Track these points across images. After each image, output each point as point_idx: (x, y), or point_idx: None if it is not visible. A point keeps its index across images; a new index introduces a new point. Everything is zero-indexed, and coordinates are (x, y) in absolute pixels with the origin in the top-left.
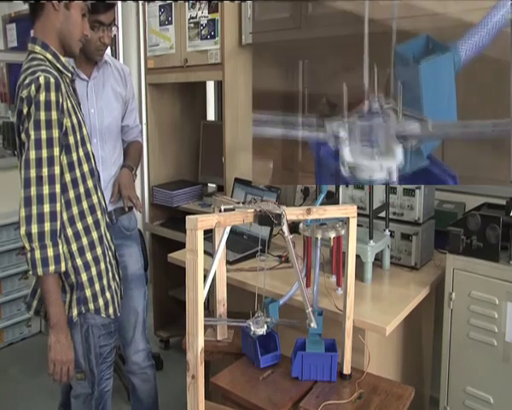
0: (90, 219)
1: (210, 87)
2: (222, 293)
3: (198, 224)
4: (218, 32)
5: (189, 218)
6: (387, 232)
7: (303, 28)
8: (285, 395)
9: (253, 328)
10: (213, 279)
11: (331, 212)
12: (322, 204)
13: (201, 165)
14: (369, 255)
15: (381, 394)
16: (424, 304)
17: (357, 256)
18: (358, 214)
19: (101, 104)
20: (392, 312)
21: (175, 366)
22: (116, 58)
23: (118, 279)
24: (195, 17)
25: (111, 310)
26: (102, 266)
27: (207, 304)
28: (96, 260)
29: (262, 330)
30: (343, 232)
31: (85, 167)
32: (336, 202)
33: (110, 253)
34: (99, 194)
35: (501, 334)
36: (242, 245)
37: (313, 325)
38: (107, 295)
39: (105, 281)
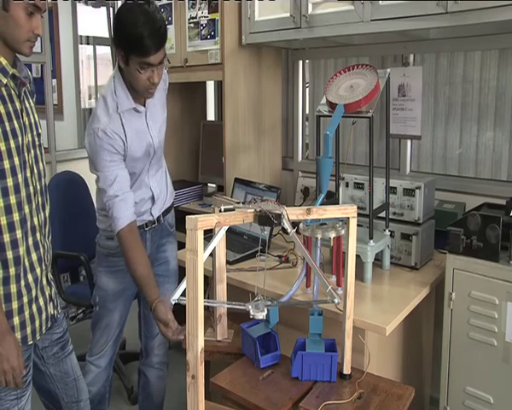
0: (6, 238)
1: (210, 87)
2: (222, 293)
3: (198, 224)
4: (218, 32)
5: (189, 218)
6: (387, 232)
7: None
8: (285, 395)
9: (252, 312)
10: (213, 280)
11: (331, 212)
12: (322, 204)
13: (201, 165)
14: (369, 255)
15: (380, 394)
16: (424, 304)
17: (357, 256)
18: (358, 214)
19: (157, 126)
20: (393, 312)
21: (175, 366)
22: (116, 58)
23: (41, 303)
24: (195, 17)
25: (19, 335)
26: (13, 289)
27: None
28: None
29: (262, 315)
30: (343, 232)
31: (9, 181)
32: (336, 202)
33: (31, 275)
34: (23, 211)
35: (501, 334)
36: (242, 245)
37: (337, 300)
38: (15, 319)
39: (14, 305)
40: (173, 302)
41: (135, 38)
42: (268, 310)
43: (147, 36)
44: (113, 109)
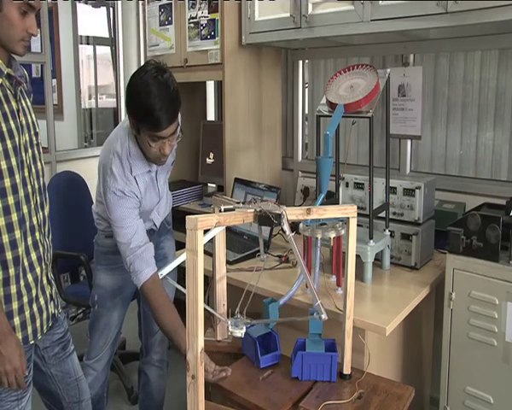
0: (5, 239)
1: (210, 87)
2: (222, 293)
3: (198, 224)
4: (218, 32)
5: (189, 218)
6: (387, 232)
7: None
8: (285, 395)
9: (231, 328)
10: (213, 280)
11: (331, 212)
12: (322, 204)
13: (201, 165)
14: (369, 255)
15: (380, 394)
16: (424, 304)
17: (357, 256)
18: (358, 214)
19: (164, 175)
20: (393, 312)
21: (175, 366)
22: (116, 59)
23: (42, 303)
24: (195, 17)
25: (20, 335)
26: (13, 289)
27: (207, 304)
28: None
29: (240, 333)
30: (343, 232)
31: (7, 182)
32: (336, 202)
33: (30, 275)
34: (22, 211)
35: (501, 334)
36: (242, 245)
37: (324, 317)
38: (16, 319)
39: (14, 305)
40: (161, 277)
41: (146, 111)
42: (247, 328)
43: (158, 109)
44: (129, 171)
